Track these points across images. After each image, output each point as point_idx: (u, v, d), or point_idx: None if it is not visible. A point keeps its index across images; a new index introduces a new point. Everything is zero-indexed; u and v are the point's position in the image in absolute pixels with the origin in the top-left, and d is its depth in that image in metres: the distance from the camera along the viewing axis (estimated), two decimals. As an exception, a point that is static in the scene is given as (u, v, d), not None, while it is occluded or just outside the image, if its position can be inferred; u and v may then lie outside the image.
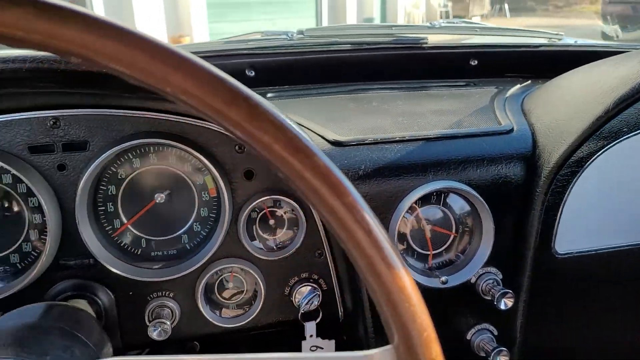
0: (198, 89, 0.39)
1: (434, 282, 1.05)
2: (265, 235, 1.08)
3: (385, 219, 1.04)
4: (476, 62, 1.52)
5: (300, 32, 1.41)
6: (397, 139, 1.05)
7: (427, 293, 1.07)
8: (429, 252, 1.10)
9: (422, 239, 1.09)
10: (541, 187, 1.06)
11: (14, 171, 0.92)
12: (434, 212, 1.10)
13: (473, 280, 1.10)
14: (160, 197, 1.03)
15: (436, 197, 1.08)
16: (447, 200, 1.10)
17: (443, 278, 1.04)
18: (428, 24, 1.56)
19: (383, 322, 0.46)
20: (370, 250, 0.42)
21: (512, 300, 1.06)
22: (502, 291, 1.05)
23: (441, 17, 12.47)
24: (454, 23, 1.57)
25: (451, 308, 1.13)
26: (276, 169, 0.43)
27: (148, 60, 0.39)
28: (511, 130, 1.12)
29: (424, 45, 1.48)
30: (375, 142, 1.05)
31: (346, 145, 1.04)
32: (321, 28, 1.55)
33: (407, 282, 0.43)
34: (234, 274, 1.08)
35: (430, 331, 0.44)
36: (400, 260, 0.43)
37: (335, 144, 1.04)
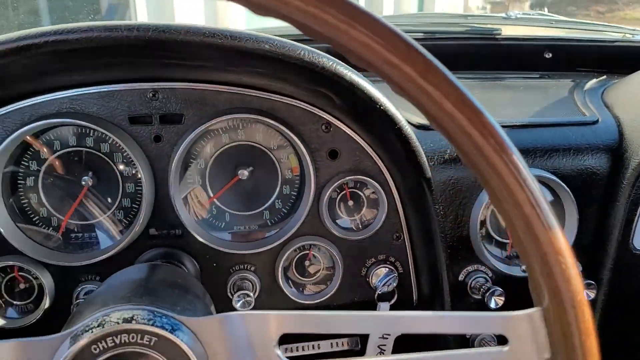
0: (378, 43, 0.40)
1: (515, 270, 1.04)
2: (344, 216, 1.09)
3: (467, 205, 1.04)
4: (550, 55, 1.50)
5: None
6: (482, 124, 1.05)
7: (507, 281, 1.07)
8: (508, 240, 1.10)
9: (501, 226, 1.09)
10: (628, 179, 1.04)
11: (116, 139, 0.95)
12: (513, 200, 1.09)
13: (552, 271, 1.08)
14: (243, 173, 1.05)
15: (518, 186, 1.07)
16: (527, 190, 1.09)
17: (524, 266, 1.03)
18: (503, 15, 1.54)
19: (531, 284, 0.46)
20: (530, 210, 0.43)
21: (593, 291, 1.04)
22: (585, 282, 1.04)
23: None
24: (529, 15, 1.55)
25: (524, 297, 1.12)
26: (438, 125, 0.44)
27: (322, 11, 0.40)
28: (596, 121, 1.10)
29: (498, 37, 1.47)
30: (461, 127, 1.05)
31: (431, 129, 1.04)
32: (395, 16, 1.55)
33: (563, 244, 0.43)
34: (312, 252, 1.10)
35: (582, 296, 0.44)
36: (558, 223, 0.44)
37: (420, 127, 1.04)
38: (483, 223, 1.08)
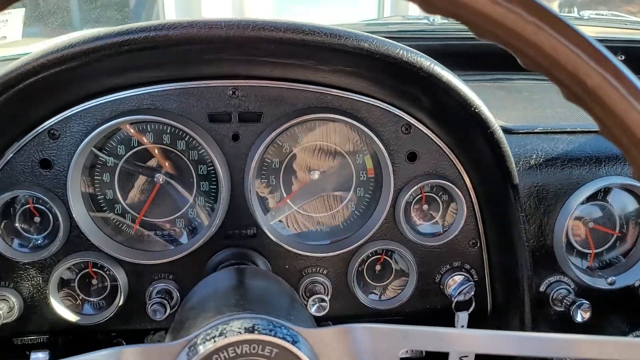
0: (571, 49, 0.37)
1: (600, 283, 1.00)
2: (420, 221, 1.06)
3: (552, 213, 1.00)
4: (623, 57, 1.44)
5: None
6: (569, 129, 1.01)
7: (590, 293, 1.02)
8: (589, 251, 1.05)
9: (583, 236, 1.04)
10: None
11: (194, 137, 0.94)
12: (595, 209, 1.05)
13: (637, 284, 1.04)
14: (315, 174, 1.03)
15: (603, 194, 1.03)
16: (609, 197, 1.05)
17: (610, 279, 0.99)
18: (576, 15, 1.49)
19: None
20: None
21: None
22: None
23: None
24: (602, 15, 1.49)
25: (608, 311, 1.08)
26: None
27: None
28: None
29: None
30: (546, 132, 1.01)
31: (515, 133, 1.01)
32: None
33: None
34: (384, 256, 1.07)
35: None
36: None
37: (505, 131, 1.00)
38: (566, 233, 1.04)
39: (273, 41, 0.74)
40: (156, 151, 0.99)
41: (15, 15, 0.94)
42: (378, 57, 0.77)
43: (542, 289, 1.04)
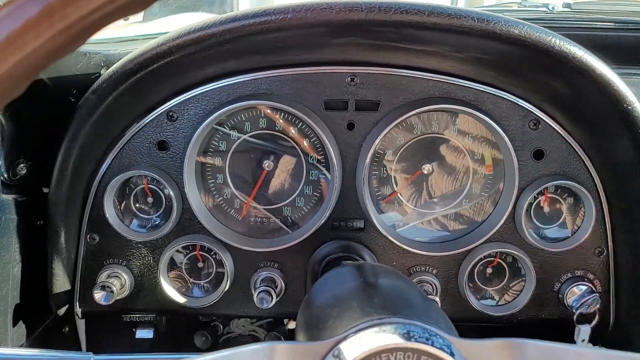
0: None
1: None
2: (539, 224, 0.98)
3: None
4: None
5: (567, 4, 1.27)
6: None
7: None
8: None
9: None
10: None
11: (309, 124, 0.91)
12: None
13: None
14: (427, 169, 0.97)
15: None
16: None
17: None
18: None
19: None
20: None
21: None
22: None
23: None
24: None
25: None
26: None
27: None
28: None
29: None
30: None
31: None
32: (589, 2, 1.39)
33: None
34: (497, 259, 1.00)
35: None
36: None
37: None
38: None
39: (417, 25, 0.69)
40: (270, 135, 0.97)
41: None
42: (527, 45, 0.71)
43: (678, 307, 0.94)
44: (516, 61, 0.79)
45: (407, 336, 0.48)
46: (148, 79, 0.80)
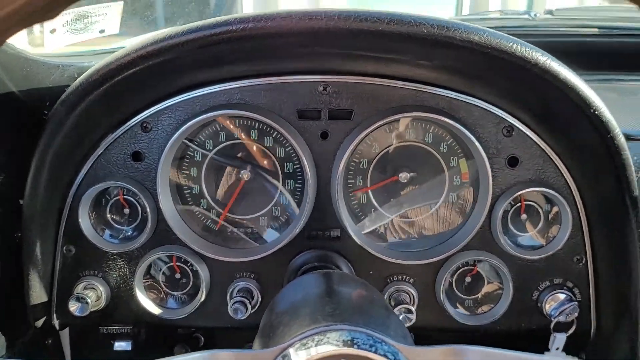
0: None
1: None
2: (516, 231, 0.98)
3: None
4: None
5: (549, 11, 1.27)
6: (699, 137, 0.89)
7: None
8: None
9: None
10: None
11: (282, 133, 0.91)
12: None
13: None
14: (404, 177, 0.97)
15: None
16: None
17: None
18: None
19: None
20: None
21: None
22: None
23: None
24: None
25: None
26: None
27: None
28: None
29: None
30: (671, 139, 0.89)
31: (634, 139, 0.90)
32: (572, 9, 1.40)
33: None
34: (477, 268, 1.00)
35: None
36: None
37: (624, 136, 0.89)
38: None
39: (376, 34, 0.69)
40: (244, 146, 0.97)
41: (114, 9, 0.96)
42: (489, 52, 0.71)
43: (659, 315, 0.92)
44: (482, 68, 0.79)
45: (351, 343, 0.47)
46: (117, 89, 0.81)
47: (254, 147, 0.98)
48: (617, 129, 0.79)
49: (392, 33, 0.69)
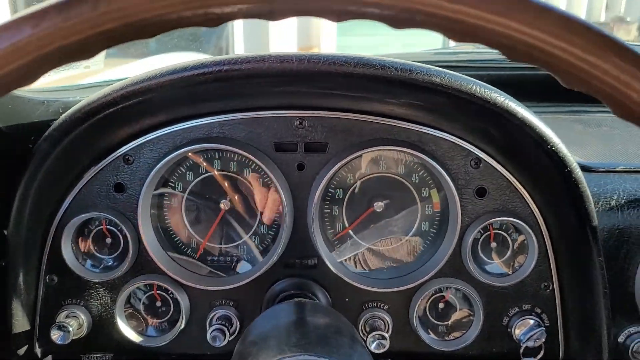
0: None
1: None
2: (487, 259, 1.01)
3: (634, 258, 0.93)
4: None
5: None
6: (655, 169, 0.94)
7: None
8: (677, 301, 0.96)
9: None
10: None
11: (260, 165, 0.95)
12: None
13: None
14: (379, 206, 1.01)
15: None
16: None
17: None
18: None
19: None
20: None
21: None
22: None
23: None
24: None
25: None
26: None
27: None
28: None
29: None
30: (628, 171, 0.94)
31: (595, 171, 0.95)
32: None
33: None
34: (449, 295, 1.03)
35: None
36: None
37: (583, 169, 0.94)
38: (647, 278, 0.96)
39: (343, 75, 0.74)
40: (222, 178, 1.01)
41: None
42: (450, 92, 0.75)
43: (620, 339, 0.96)
44: (447, 106, 0.84)
45: (313, 373, 0.50)
46: (100, 125, 0.85)
47: (233, 180, 1.01)
48: (574, 164, 0.83)
49: (359, 75, 0.74)
